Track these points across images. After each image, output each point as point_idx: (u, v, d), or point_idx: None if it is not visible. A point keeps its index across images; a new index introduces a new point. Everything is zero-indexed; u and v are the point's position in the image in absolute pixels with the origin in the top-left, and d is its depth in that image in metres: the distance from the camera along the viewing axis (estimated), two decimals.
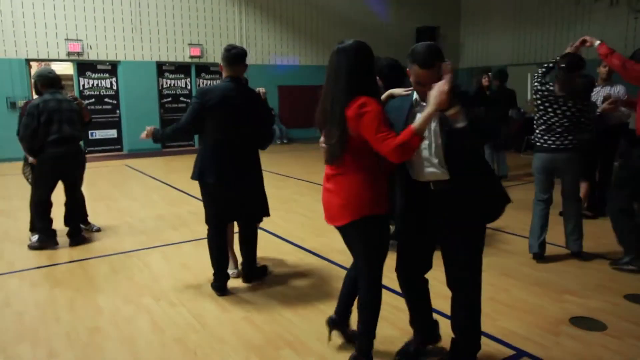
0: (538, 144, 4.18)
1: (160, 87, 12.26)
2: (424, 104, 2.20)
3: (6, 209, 6.36)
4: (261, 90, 3.69)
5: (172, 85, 12.46)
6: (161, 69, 12.22)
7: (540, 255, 4.23)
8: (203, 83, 12.74)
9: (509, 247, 4.61)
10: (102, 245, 4.86)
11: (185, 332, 3.05)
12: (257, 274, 3.88)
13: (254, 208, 3.71)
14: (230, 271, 3.79)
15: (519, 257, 4.33)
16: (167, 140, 3.80)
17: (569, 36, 13.89)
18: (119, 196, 7.00)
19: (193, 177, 3.51)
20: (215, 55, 12.67)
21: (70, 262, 4.38)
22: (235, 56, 3.44)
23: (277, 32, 13.53)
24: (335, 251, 4.43)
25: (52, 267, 4.26)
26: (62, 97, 4.67)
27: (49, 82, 4.62)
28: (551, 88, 4.07)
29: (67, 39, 10.92)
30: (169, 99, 12.40)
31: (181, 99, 12.52)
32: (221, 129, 3.40)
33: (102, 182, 8.13)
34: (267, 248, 4.57)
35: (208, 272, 3.70)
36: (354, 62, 2.26)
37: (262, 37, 13.31)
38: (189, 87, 12.66)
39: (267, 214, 3.85)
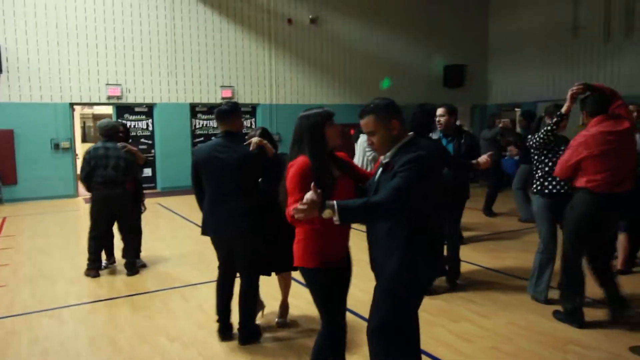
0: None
1: (193, 128, 12.82)
2: (381, 158, 2.40)
3: (43, 247, 6.77)
4: (252, 140, 3.50)
5: (204, 125, 13.02)
6: (194, 110, 12.82)
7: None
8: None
9: (518, 293, 4.62)
10: (127, 285, 5.13)
11: None
12: (249, 336, 3.69)
13: (250, 262, 3.62)
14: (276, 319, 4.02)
15: (528, 304, 4.34)
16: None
17: (599, 74, 13.82)
18: (147, 235, 7.32)
19: (201, 232, 3.67)
20: (245, 97, 13.21)
21: (96, 301, 4.66)
22: (221, 113, 3.55)
23: (306, 73, 14.00)
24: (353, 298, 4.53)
25: (79, 306, 4.54)
26: (111, 145, 5.30)
27: (103, 132, 5.38)
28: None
29: (107, 84, 11.64)
30: (201, 138, 12.92)
31: (212, 138, 12.96)
32: (212, 184, 3.52)
33: None
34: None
35: None
36: (299, 128, 2.56)
37: (290, 78, 13.79)
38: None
39: (277, 269, 3.89)
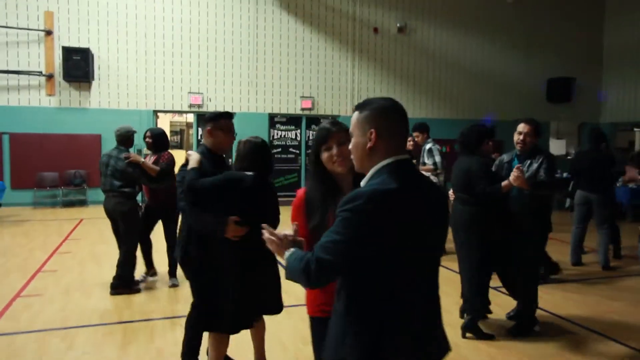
0: None
1: (271, 138, 12.59)
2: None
3: (99, 254, 6.69)
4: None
5: (282, 136, 12.74)
6: (273, 120, 12.59)
7: None
8: (313, 134, 12.85)
9: None
10: (159, 306, 4.75)
11: None
12: None
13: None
14: None
15: None
16: None
17: None
18: None
19: None
20: (326, 108, 12.76)
21: (117, 323, 4.31)
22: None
23: (391, 85, 13.25)
24: None
25: (97, 327, 4.20)
26: (115, 153, 5.06)
27: (116, 139, 5.16)
28: None
29: (189, 92, 11.77)
30: (279, 149, 12.66)
31: (290, 149, 12.70)
32: None
33: None
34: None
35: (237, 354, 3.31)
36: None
37: (374, 90, 13.11)
38: (298, 138, 12.83)
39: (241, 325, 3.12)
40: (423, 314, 1.64)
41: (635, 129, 15.20)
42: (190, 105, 11.85)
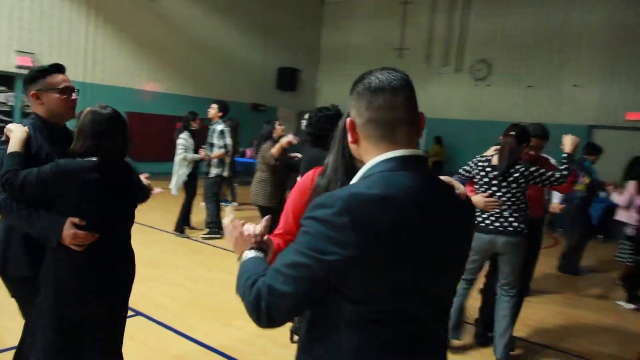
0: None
1: None
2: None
3: None
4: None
5: None
6: None
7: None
8: None
9: None
10: None
11: None
12: None
13: None
14: None
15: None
16: None
17: (420, 96, 14.81)
18: None
19: None
20: None
21: None
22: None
23: (132, 52, 11.92)
24: (259, 352, 3.42)
25: None
26: None
27: None
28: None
29: None
30: None
31: None
32: None
33: None
34: (153, 347, 3.36)
35: None
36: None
37: (112, 55, 11.56)
38: (10, 103, 10.26)
39: None
40: None
41: None
42: None
